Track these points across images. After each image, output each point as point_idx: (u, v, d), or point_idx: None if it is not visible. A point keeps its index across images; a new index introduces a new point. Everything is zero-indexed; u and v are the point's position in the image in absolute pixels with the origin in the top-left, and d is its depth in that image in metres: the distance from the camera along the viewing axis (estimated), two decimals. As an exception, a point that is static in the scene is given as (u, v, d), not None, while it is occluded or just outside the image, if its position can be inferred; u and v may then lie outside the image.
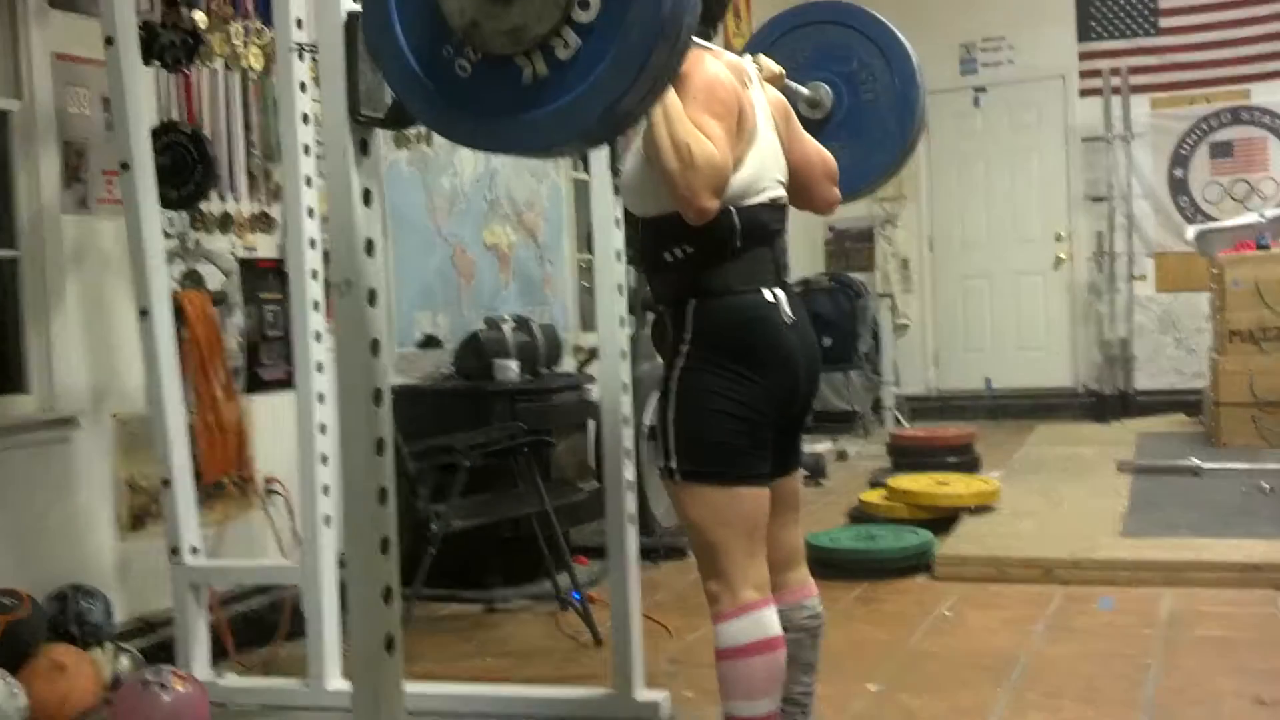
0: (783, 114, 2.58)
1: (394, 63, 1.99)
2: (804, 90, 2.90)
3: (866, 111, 2.97)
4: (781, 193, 2.50)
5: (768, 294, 2.41)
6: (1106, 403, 9.02)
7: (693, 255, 2.38)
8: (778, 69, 2.70)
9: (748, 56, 2.65)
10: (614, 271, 3.21)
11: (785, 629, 2.50)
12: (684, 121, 2.22)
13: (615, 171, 3.15)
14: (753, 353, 2.36)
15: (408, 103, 2.03)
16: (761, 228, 2.43)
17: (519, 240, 5.98)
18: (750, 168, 2.40)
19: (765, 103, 2.52)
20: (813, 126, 2.83)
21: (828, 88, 2.98)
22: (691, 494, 2.38)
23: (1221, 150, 8.97)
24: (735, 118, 2.33)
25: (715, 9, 2.49)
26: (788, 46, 2.98)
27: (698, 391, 2.36)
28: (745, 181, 2.38)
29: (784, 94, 2.69)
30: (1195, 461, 6.17)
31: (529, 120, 1.88)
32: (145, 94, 3.62)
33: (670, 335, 2.43)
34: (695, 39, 2.12)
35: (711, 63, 2.35)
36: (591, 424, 5.14)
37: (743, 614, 2.34)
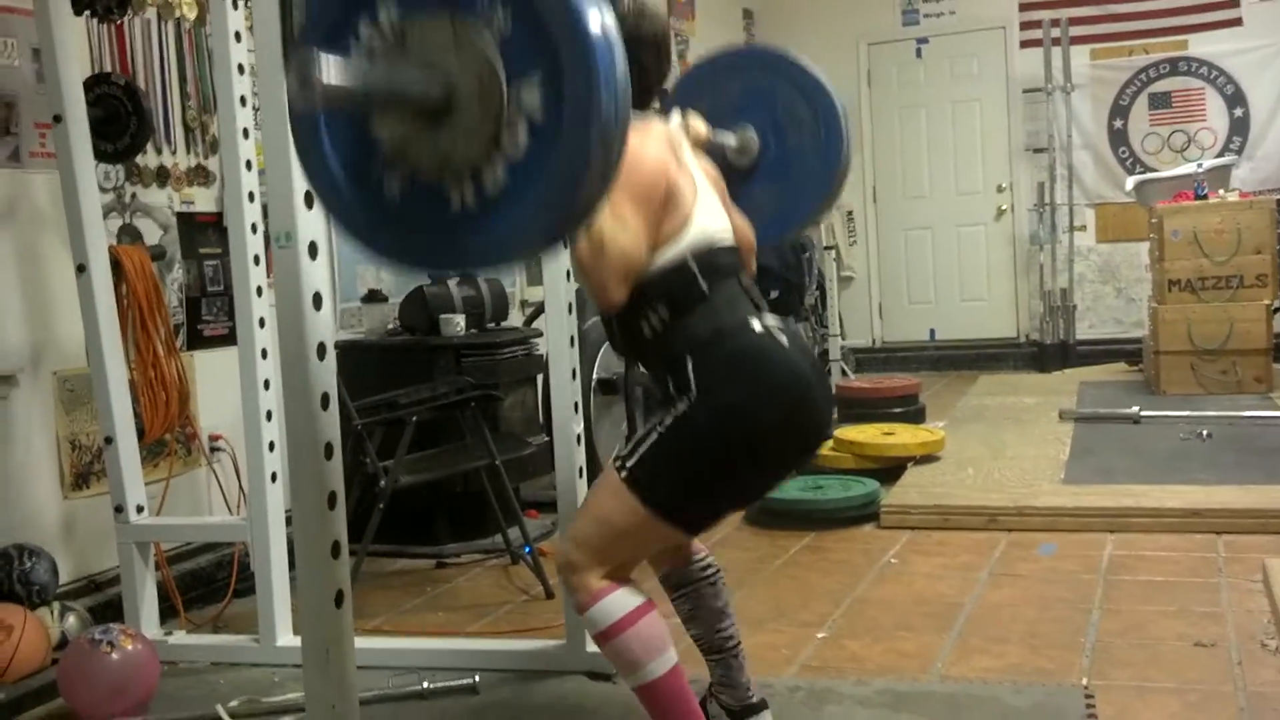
0: (717, 184, 2.58)
1: (321, 177, 1.93)
2: (730, 140, 2.93)
3: (793, 158, 2.99)
4: (733, 241, 2.49)
5: (756, 323, 2.38)
6: (1048, 352, 9.13)
7: (669, 317, 2.36)
8: (703, 130, 2.71)
9: (676, 114, 2.65)
10: (560, 223, 3.18)
11: (684, 585, 2.58)
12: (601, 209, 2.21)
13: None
14: (764, 389, 2.32)
15: (336, 218, 1.98)
16: (721, 267, 2.42)
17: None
18: (698, 222, 2.40)
19: (702, 170, 2.53)
20: (739, 172, 2.87)
21: (754, 133, 3.00)
22: (623, 497, 2.34)
23: (1160, 101, 9.05)
24: (660, 200, 2.32)
25: (653, 82, 2.50)
26: (716, 89, 3.00)
27: (701, 434, 2.31)
28: (696, 234, 2.38)
29: (712, 148, 2.71)
30: (1135, 409, 6.27)
31: (454, 246, 1.85)
32: (77, 45, 3.55)
33: (674, 383, 2.36)
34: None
35: (640, 142, 2.29)
36: (539, 378, 5.13)
37: (598, 599, 2.34)
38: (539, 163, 1.73)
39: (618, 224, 2.23)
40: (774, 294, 8.05)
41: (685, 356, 2.34)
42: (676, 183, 2.36)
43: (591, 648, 3.20)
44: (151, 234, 3.93)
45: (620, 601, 2.34)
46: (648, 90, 2.49)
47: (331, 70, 1.62)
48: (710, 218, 2.44)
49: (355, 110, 1.82)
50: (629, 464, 2.34)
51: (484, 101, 1.74)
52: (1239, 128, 8.87)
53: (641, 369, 2.52)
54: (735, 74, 3.04)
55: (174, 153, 4.18)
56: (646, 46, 2.41)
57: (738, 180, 2.77)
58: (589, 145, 1.70)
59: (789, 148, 2.97)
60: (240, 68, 3.28)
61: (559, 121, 1.70)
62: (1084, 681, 2.97)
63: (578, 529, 2.41)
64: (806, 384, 2.38)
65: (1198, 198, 7.31)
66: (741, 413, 2.30)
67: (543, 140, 1.73)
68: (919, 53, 9.60)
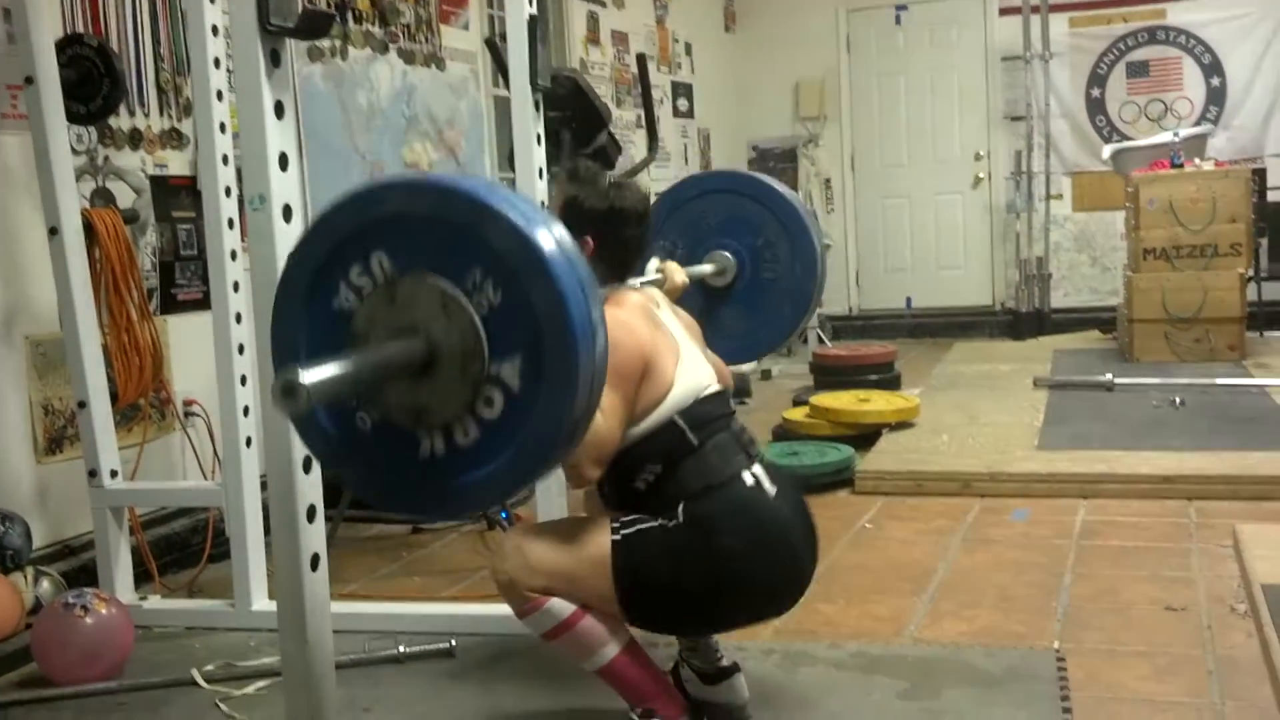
0: (696, 335, 2.61)
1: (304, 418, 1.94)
2: (707, 269, 3.06)
3: (765, 289, 3.14)
4: (718, 387, 2.52)
5: (747, 477, 2.40)
6: (1023, 320, 9.16)
7: (661, 472, 2.38)
8: (680, 280, 2.76)
9: (654, 261, 2.71)
10: (536, 189, 3.17)
11: None
12: None
13: (535, 86, 3.14)
14: (750, 546, 2.34)
15: (304, 437, 2.01)
16: (709, 419, 2.43)
17: (439, 159, 5.89)
18: (682, 381, 2.42)
19: (680, 325, 2.56)
20: (714, 293, 3.01)
21: (731, 257, 3.15)
22: (601, 562, 2.33)
23: (1138, 70, 9.06)
24: (636, 381, 2.33)
25: (633, 254, 2.55)
26: (704, 206, 3.15)
27: (683, 561, 2.32)
28: (681, 393, 2.40)
29: (691, 280, 2.80)
30: (1109, 377, 6.30)
31: (420, 490, 1.89)
32: (48, 5, 3.51)
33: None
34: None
35: (614, 317, 2.25)
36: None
37: (538, 608, 2.35)
38: (511, 428, 1.79)
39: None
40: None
41: (679, 505, 2.36)
42: (654, 355, 2.38)
43: (567, 612, 3.22)
44: (125, 197, 3.90)
45: (555, 609, 2.35)
46: (628, 263, 2.54)
47: (316, 375, 1.63)
48: (693, 373, 2.46)
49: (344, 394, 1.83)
50: (623, 533, 2.35)
51: (464, 367, 1.79)
52: (1216, 97, 8.90)
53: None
54: (725, 197, 3.19)
55: (147, 115, 4.14)
56: (629, 219, 2.49)
57: (710, 300, 2.85)
58: (562, 418, 1.77)
59: (764, 277, 3.14)
60: (214, 29, 3.23)
61: (535, 395, 1.77)
62: (1055, 645, 3.00)
63: (540, 551, 2.36)
64: (789, 540, 2.41)
65: (1174, 166, 7.33)
66: (723, 555, 2.33)
67: (517, 409, 1.79)
68: (898, 20, 9.59)
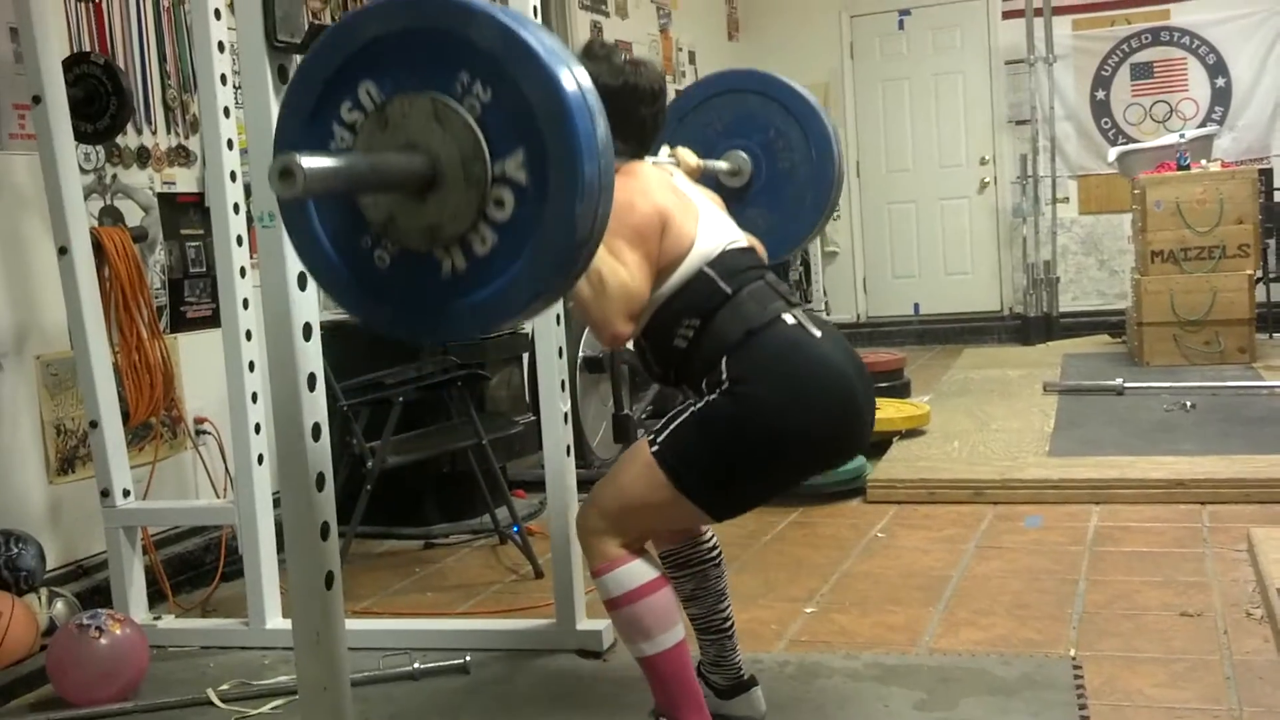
0: (720, 205, 2.60)
1: (312, 252, 1.94)
2: (723, 165, 2.98)
3: (785, 181, 3.05)
4: (747, 243, 2.50)
5: (788, 318, 2.37)
6: (1031, 325, 9.15)
7: (699, 325, 2.36)
8: (694, 163, 2.73)
9: (664, 150, 2.67)
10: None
11: (689, 564, 2.58)
12: (597, 249, 2.21)
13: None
14: (801, 382, 2.31)
15: (327, 290, 2.00)
16: (740, 268, 2.42)
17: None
18: (706, 237, 2.40)
19: (702, 193, 2.55)
20: (734, 194, 2.92)
21: (745, 156, 3.07)
22: (651, 472, 2.33)
23: (1142, 71, 9.05)
24: (657, 239, 2.33)
25: (650, 132, 2.52)
26: (708, 113, 3.07)
27: (736, 420, 2.29)
28: (705, 248, 2.39)
29: (705, 177, 2.75)
30: (1119, 381, 6.29)
31: (448, 312, 1.86)
32: (55, 24, 3.52)
33: (707, 389, 2.36)
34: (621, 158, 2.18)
35: (629, 181, 2.32)
36: (525, 357, 5.12)
37: (616, 566, 2.36)
38: (526, 225, 1.76)
39: (616, 263, 2.25)
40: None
41: (721, 359, 2.33)
42: (672, 213, 2.37)
43: (582, 625, 3.22)
44: (133, 215, 3.90)
45: (636, 571, 2.35)
46: (644, 142, 2.52)
47: (313, 161, 1.62)
48: (717, 229, 2.45)
49: (342, 193, 1.82)
50: (659, 440, 2.35)
51: (468, 173, 1.77)
52: (1221, 98, 8.88)
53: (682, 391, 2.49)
54: (727, 98, 3.10)
55: (154, 133, 4.14)
56: (643, 97, 2.46)
57: (732, 203, 2.81)
58: (575, 202, 1.72)
59: (780, 171, 3.05)
60: (220, 45, 3.25)
61: (544, 184, 1.73)
62: (1071, 652, 2.99)
63: (601, 495, 2.41)
64: (844, 380, 2.35)
65: (1180, 168, 7.31)
66: (773, 409, 2.29)
67: (528, 203, 1.76)
68: (901, 24, 9.59)
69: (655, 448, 2.34)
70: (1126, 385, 6.25)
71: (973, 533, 4.15)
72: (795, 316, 2.38)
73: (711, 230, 2.44)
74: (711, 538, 2.65)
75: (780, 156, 3.05)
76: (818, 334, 2.38)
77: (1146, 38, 9.01)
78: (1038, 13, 9.01)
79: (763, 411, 2.28)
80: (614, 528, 2.37)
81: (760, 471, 2.34)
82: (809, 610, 3.46)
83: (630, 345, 2.49)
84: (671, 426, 2.35)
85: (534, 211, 1.75)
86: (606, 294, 2.24)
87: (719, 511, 2.40)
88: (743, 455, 2.30)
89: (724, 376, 2.31)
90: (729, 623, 2.63)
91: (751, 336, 2.33)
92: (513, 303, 1.81)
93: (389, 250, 1.87)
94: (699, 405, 2.34)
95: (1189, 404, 5.73)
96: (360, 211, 1.86)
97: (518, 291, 1.79)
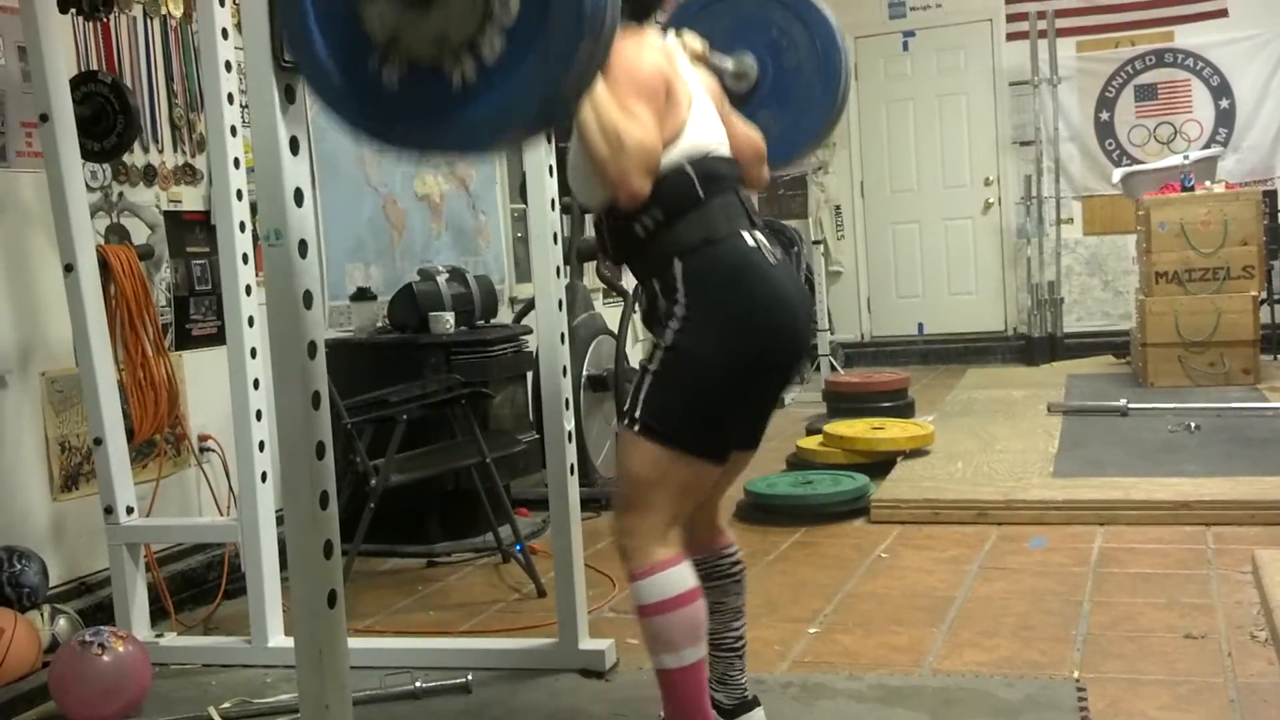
0: (716, 96, 2.58)
1: (318, 78, 1.95)
2: (728, 64, 2.90)
3: (791, 79, 2.98)
4: (729, 154, 2.49)
5: (748, 238, 2.39)
6: (1036, 345, 9.14)
7: (663, 220, 2.36)
8: (699, 47, 2.70)
9: (671, 34, 2.64)
10: (549, 221, 3.18)
11: (710, 578, 2.54)
12: (610, 107, 2.22)
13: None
14: (748, 299, 2.34)
15: (339, 117, 1.99)
16: (719, 176, 2.42)
17: (450, 190, 5.92)
18: (693, 132, 2.40)
19: (699, 79, 2.52)
20: (740, 98, 2.85)
21: (751, 58, 2.99)
22: (643, 449, 2.36)
23: (1146, 93, 9.07)
24: (663, 99, 2.33)
25: (650, 3, 2.48)
26: (706, 21, 3.00)
27: (689, 355, 2.32)
28: (692, 143, 2.38)
29: (710, 70, 2.69)
30: (1123, 402, 6.28)
31: (461, 123, 1.85)
32: (63, 43, 3.53)
33: (662, 302, 2.38)
34: (628, 22, 2.11)
35: (635, 46, 2.34)
36: (529, 375, 5.13)
37: (655, 572, 2.34)
38: (533, 23, 1.75)
39: (630, 118, 2.23)
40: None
41: (673, 260, 2.35)
42: (674, 86, 2.37)
43: (585, 645, 3.21)
44: (139, 233, 3.92)
45: (673, 580, 2.34)
46: (647, 7, 2.48)
47: None
48: (706, 128, 2.44)
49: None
50: (635, 414, 2.36)
51: None
52: (1225, 119, 8.90)
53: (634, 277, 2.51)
54: (721, 5, 3.02)
55: (161, 151, 4.16)
56: None
57: (738, 106, 2.76)
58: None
59: (787, 70, 2.96)
60: (228, 65, 3.26)
61: None
62: (1075, 674, 2.98)
63: (619, 499, 2.43)
64: (788, 308, 2.39)
65: (1184, 189, 7.32)
66: (722, 326, 2.32)
67: (536, 2, 1.75)
68: (905, 46, 9.61)
69: (635, 425, 2.36)
70: (1131, 406, 6.24)
71: (977, 553, 4.14)
72: (755, 238, 2.41)
73: (701, 125, 2.42)
74: (736, 553, 2.63)
75: (785, 55, 2.97)
76: (772, 261, 2.40)
77: (1150, 59, 9.03)
78: (1042, 34, 9.03)
79: (709, 335, 2.32)
80: (641, 524, 2.36)
81: (726, 395, 2.35)
82: (812, 630, 3.45)
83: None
84: (640, 399, 2.36)
85: (541, 9, 1.74)
86: (624, 150, 2.21)
87: (715, 451, 2.39)
88: (707, 385, 2.33)
89: (678, 293, 2.34)
90: (741, 642, 2.62)
91: (709, 246, 2.36)
92: (524, 108, 1.80)
93: (397, 67, 1.86)
94: (654, 364, 2.36)
95: (1193, 425, 5.72)
96: (364, 31, 1.86)
97: (528, 95, 1.79)
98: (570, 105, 1.93)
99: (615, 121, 2.21)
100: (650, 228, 2.37)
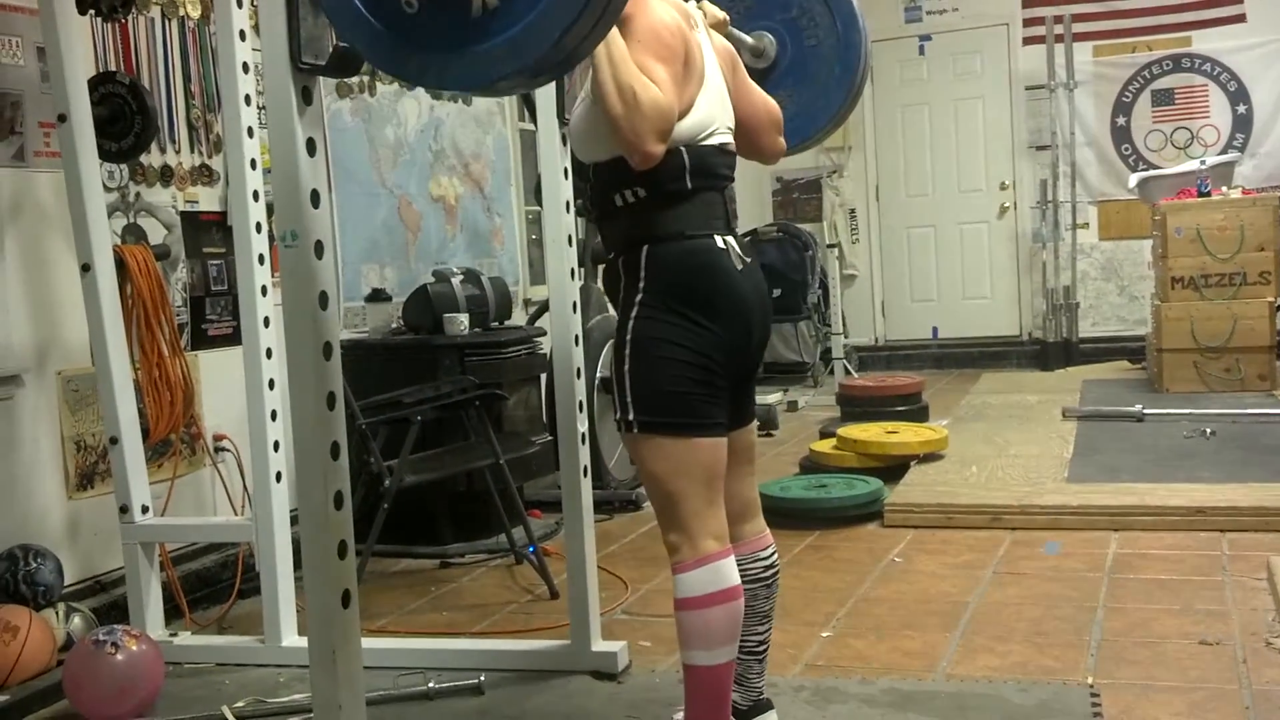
0: (729, 62, 2.57)
1: (339, 6, 1.95)
2: (748, 38, 2.89)
3: (810, 57, 2.97)
4: (730, 140, 2.49)
5: (719, 240, 2.41)
6: (1051, 350, 9.12)
7: (644, 199, 2.37)
8: (721, 15, 2.69)
9: (693, 2, 2.64)
10: (564, 223, 3.18)
11: (744, 579, 2.51)
12: (629, 65, 2.21)
13: (563, 121, 3.13)
14: (707, 299, 2.36)
15: (353, 42, 1.99)
16: (711, 171, 2.42)
17: (465, 192, 5.93)
18: (700, 110, 2.39)
19: (712, 48, 2.51)
20: (758, 76, 2.83)
21: (771, 36, 2.99)
22: (650, 445, 2.37)
23: (1163, 98, 9.04)
24: (681, 61, 2.32)
25: None
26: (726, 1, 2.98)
27: (653, 340, 2.35)
28: (695, 123, 2.38)
29: (730, 41, 2.68)
30: (1139, 407, 6.26)
31: (478, 53, 1.85)
32: (81, 44, 3.55)
33: (624, 283, 2.41)
34: None
35: (658, 6, 2.34)
36: (543, 377, 5.13)
37: (702, 564, 2.34)
38: None
39: (646, 79, 2.22)
40: (776, 292, 8.06)
41: (642, 245, 2.37)
42: (692, 53, 2.36)
43: (597, 647, 3.21)
44: (156, 233, 3.93)
45: (718, 575, 2.34)
46: None
47: None
48: (713, 107, 2.43)
49: None
50: (629, 417, 2.37)
51: None
52: (1242, 124, 8.87)
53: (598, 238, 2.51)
54: None
55: (178, 152, 4.18)
56: None
57: (757, 83, 2.75)
58: None
59: (806, 48, 2.97)
60: (245, 66, 3.27)
61: None
62: (1089, 680, 2.97)
63: (658, 515, 2.42)
64: (741, 300, 2.40)
65: (1201, 195, 7.30)
66: (675, 312, 2.34)
67: None
68: (922, 50, 9.60)
69: (634, 427, 2.37)
70: (1146, 412, 6.22)
71: (990, 558, 4.13)
72: (726, 242, 2.42)
73: (709, 104, 2.41)
74: (772, 555, 2.62)
75: (806, 33, 2.98)
76: (739, 265, 2.41)
77: (1168, 64, 9.00)
78: (1058, 39, 9.01)
79: (666, 328, 2.34)
80: (679, 516, 2.35)
81: (698, 375, 2.35)
82: (825, 635, 3.45)
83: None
84: (627, 400, 2.37)
85: None
86: (640, 110, 2.20)
87: (711, 422, 2.38)
88: (677, 369, 2.33)
89: (640, 280, 2.36)
90: (764, 646, 2.62)
91: (680, 239, 2.37)
92: (543, 38, 1.79)
93: None
94: (625, 363, 2.37)
95: (1209, 431, 5.70)
96: None
97: (548, 25, 1.78)
98: (588, 42, 1.91)
99: (632, 79, 2.20)
100: (630, 200, 2.39)
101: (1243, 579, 3.72)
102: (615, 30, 2.16)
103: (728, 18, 2.71)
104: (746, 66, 2.73)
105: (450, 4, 1.84)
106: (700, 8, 2.62)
